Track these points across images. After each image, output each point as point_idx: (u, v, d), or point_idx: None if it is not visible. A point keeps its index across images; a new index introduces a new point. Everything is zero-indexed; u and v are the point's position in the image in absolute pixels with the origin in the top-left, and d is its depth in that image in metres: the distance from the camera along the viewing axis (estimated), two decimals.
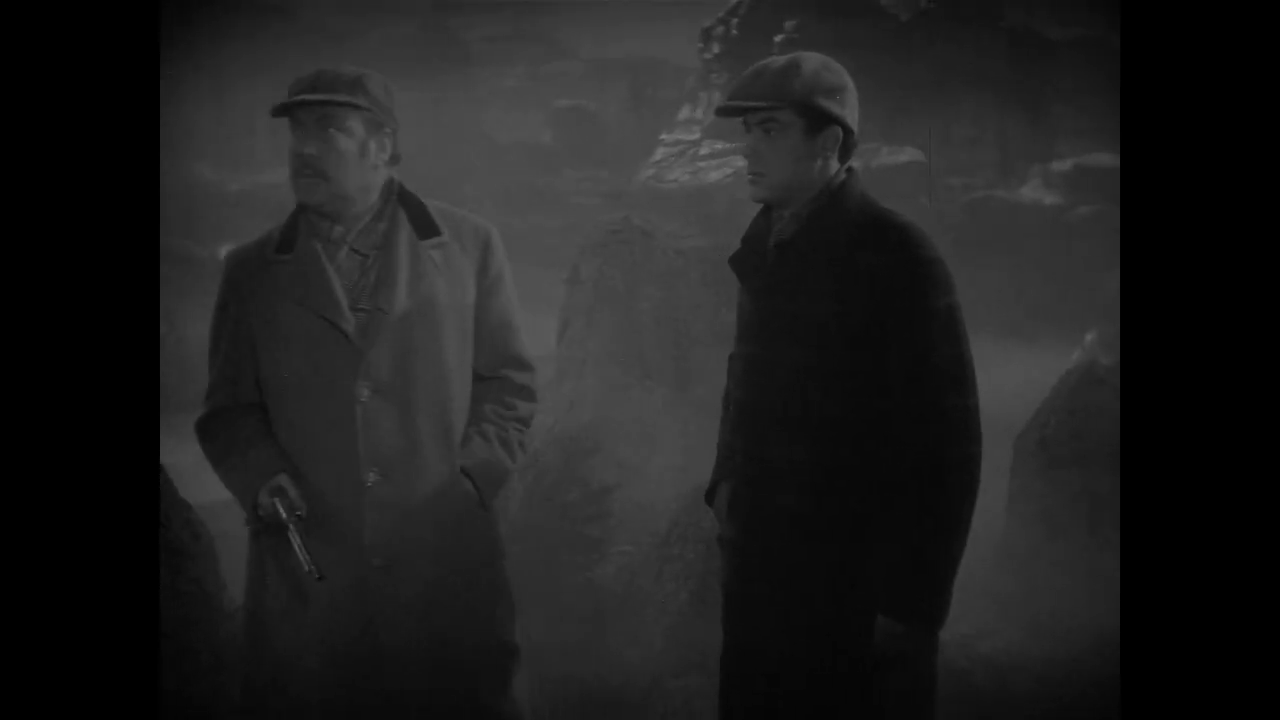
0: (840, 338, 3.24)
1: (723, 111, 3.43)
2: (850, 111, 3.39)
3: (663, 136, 31.55)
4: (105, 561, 2.89)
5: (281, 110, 3.41)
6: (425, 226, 3.50)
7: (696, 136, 31.44)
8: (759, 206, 3.47)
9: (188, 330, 20.22)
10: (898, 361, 3.22)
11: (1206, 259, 2.95)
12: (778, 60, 3.43)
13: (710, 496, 3.57)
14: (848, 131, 3.40)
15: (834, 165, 3.40)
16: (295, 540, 3.29)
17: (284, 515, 3.31)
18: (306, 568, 3.26)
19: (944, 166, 30.35)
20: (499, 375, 3.56)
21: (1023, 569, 7.55)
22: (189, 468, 6.02)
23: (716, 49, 31.80)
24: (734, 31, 32.87)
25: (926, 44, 32.16)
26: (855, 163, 3.45)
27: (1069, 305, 20.29)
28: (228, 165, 32.88)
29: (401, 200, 3.53)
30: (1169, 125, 3.01)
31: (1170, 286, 2.96)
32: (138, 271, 3.00)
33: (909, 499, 3.21)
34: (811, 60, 3.41)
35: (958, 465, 3.22)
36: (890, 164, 29.92)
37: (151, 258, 3.09)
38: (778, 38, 32.24)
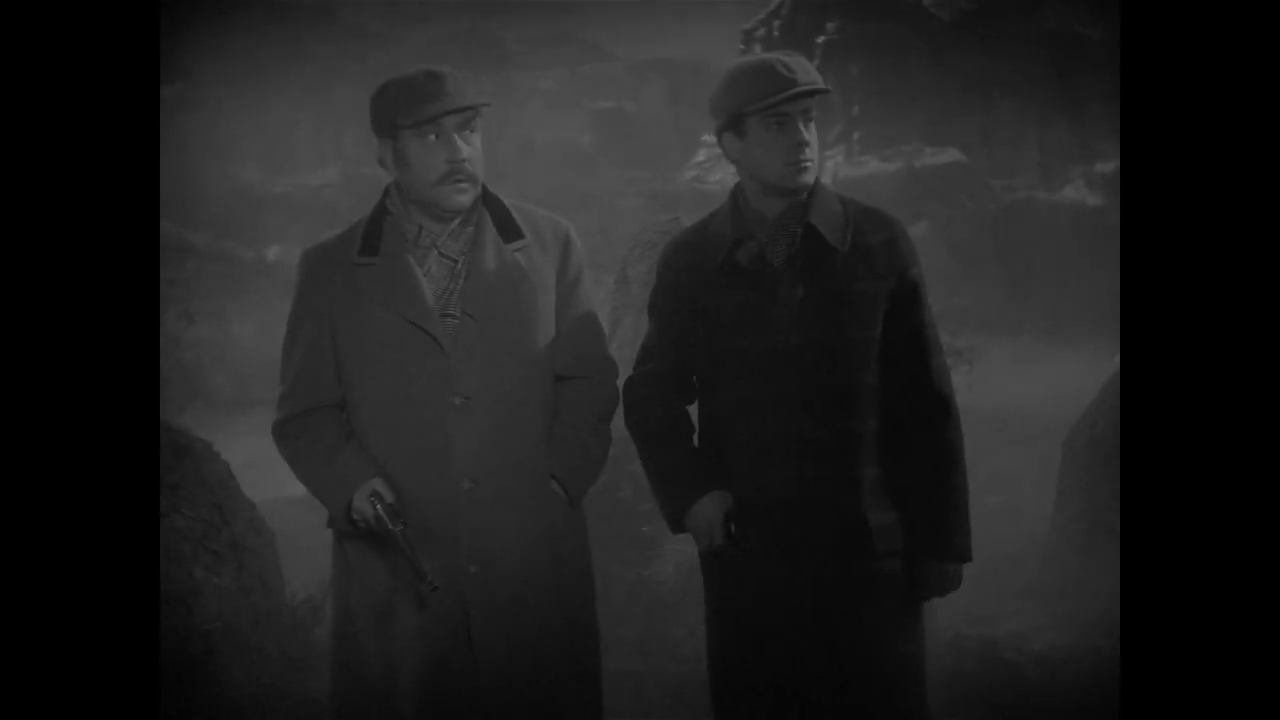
0: (867, 310, 3.42)
1: (795, 97, 3.42)
2: None
3: (704, 138, 31.53)
4: (105, 560, 2.87)
5: (429, 118, 3.32)
6: (509, 229, 3.44)
7: None
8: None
9: (234, 330, 20.38)
10: (904, 325, 3.44)
11: (1207, 258, 2.97)
12: (789, 54, 3.53)
13: (679, 524, 3.45)
14: None
15: None
16: (407, 550, 3.22)
17: (390, 524, 3.24)
18: (424, 578, 3.20)
19: (984, 168, 30.27)
20: (580, 375, 3.50)
21: (1071, 567, 7.54)
22: (240, 466, 6.10)
23: (758, 50, 31.82)
24: (775, 33, 32.88)
25: (967, 45, 32.10)
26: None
27: (1113, 306, 20.14)
28: (270, 168, 33.08)
29: (485, 201, 3.50)
30: (1170, 125, 3.03)
31: (1170, 286, 2.98)
32: (137, 270, 2.99)
33: (926, 449, 3.43)
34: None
35: (957, 414, 3.52)
36: (932, 164, 29.84)
37: (151, 256, 3.07)
38: (819, 39, 32.20)
